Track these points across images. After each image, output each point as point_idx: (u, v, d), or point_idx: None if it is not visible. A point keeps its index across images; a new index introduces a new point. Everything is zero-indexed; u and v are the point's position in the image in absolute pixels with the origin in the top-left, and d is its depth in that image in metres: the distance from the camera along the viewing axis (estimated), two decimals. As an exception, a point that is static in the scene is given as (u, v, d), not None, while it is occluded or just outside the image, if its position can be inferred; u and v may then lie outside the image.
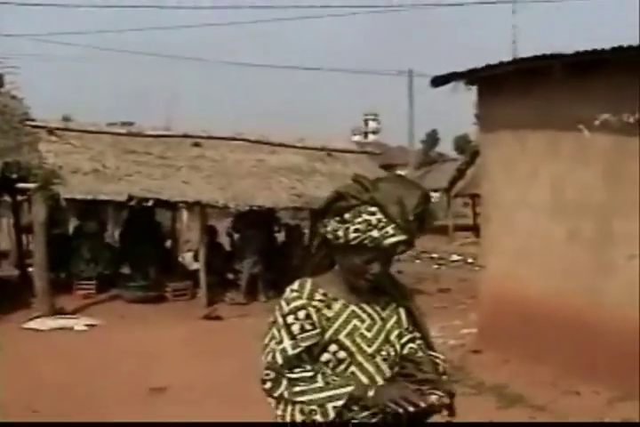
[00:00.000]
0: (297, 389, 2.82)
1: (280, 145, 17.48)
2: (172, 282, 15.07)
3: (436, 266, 22.49)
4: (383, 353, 2.94)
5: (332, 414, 2.78)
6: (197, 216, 16.00)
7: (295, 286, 2.94)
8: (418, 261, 23.85)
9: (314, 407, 2.79)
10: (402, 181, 2.93)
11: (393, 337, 2.99)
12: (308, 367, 2.86)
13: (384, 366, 2.94)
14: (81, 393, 8.15)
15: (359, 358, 2.89)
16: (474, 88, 10.26)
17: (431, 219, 2.90)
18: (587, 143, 8.38)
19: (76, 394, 8.11)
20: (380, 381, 2.90)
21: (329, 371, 2.88)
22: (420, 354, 3.04)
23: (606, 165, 8.14)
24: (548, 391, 8.13)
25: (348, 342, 2.88)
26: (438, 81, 10.02)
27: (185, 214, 22.26)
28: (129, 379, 8.76)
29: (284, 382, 2.84)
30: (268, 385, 2.87)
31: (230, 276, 16.16)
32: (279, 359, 2.84)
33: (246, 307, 14.29)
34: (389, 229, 2.78)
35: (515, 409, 7.74)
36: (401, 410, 2.70)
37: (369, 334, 2.93)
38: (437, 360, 3.07)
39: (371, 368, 2.91)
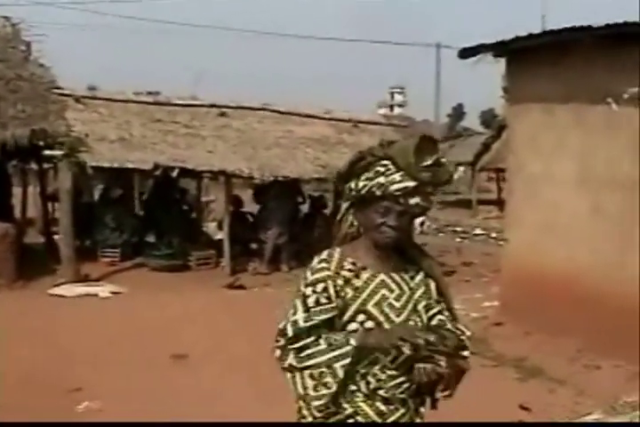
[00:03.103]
0: (303, 354, 2.82)
1: (307, 116, 17.44)
2: (195, 251, 15.13)
3: (459, 239, 22.42)
4: (411, 323, 2.94)
5: (340, 374, 2.78)
6: (222, 186, 16.01)
7: (324, 255, 2.94)
8: (441, 234, 23.78)
9: (323, 369, 2.79)
10: (416, 137, 2.93)
11: (420, 307, 2.99)
12: (315, 335, 2.84)
13: None
14: (104, 359, 8.22)
15: (387, 328, 2.89)
16: (502, 60, 10.16)
17: (445, 175, 2.90)
18: (615, 117, 8.29)
19: (100, 360, 8.18)
20: (406, 350, 2.88)
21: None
22: (449, 326, 3.03)
23: (634, 139, 8.04)
24: (569, 365, 8.13)
25: (376, 312, 2.88)
26: (466, 53, 9.91)
27: (209, 184, 22.26)
28: (151, 346, 8.82)
29: (292, 353, 2.84)
30: (278, 353, 2.88)
31: (254, 246, 16.22)
32: (289, 331, 2.84)
33: (268, 277, 14.33)
34: (396, 176, 2.82)
35: (534, 382, 7.75)
36: (407, 350, 2.73)
37: (397, 304, 2.92)
38: (462, 337, 3.05)
39: None
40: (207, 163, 14.25)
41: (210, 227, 18.44)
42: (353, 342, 2.79)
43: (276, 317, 3.03)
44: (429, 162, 2.84)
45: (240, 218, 16.01)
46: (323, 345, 2.81)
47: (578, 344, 8.43)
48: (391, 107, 77.29)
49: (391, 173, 2.83)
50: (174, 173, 14.03)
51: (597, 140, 8.64)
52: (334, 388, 2.79)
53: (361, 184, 2.87)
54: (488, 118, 67.15)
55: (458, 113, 80.00)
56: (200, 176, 17.81)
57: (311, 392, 2.82)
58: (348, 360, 2.78)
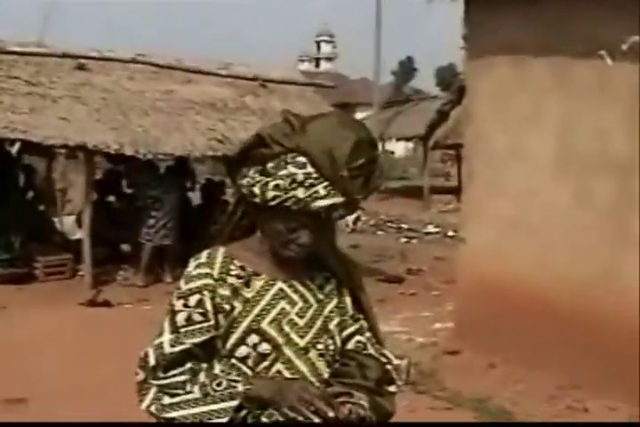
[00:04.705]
0: (166, 401, 2.83)
1: (197, 72, 17.41)
2: (44, 255, 14.99)
3: (404, 240, 22.61)
4: (319, 346, 2.96)
5: None
6: (82, 166, 15.81)
7: (203, 257, 2.95)
8: (381, 232, 23.94)
9: None
10: (339, 121, 2.87)
11: (332, 326, 3.02)
12: (188, 366, 2.86)
13: (320, 364, 2.97)
14: None
15: (288, 352, 2.91)
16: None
17: (379, 177, 2.89)
18: (608, 75, 8.38)
19: None
20: (314, 382, 2.91)
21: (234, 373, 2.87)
22: (370, 351, 3.07)
23: (632, 104, 8.14)
24: (546, 406, 8.22)
25: (273, 332, 2.90)
26: (412, -13, 9.93)
27: (66, 163, 22.01)
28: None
29: (153, 391, 2.86)
30: (137, 389, 2.89)
31: (125, 248, 16.07)
32: (152, 358, 2.86)
33: (145, 290, 14.33)
34: (320, 189, 2.75)
35: (500, 429, 7.83)
36: (301, 418, 2.71)
37: (301, 322, 2.95)
38: (388, 366, 3.09)
39: (303, 366, 2.93)
40: (60, 134, 14.00)
41: (66, 222, 18.24)
42: (237, 399, 2.79)
43: (149, 342, 3.01)
44: (361, 161, 2.78)
45: (107, 210, 15.87)
46: (196, 393, 2.82)
47: (558, 379, 8.53)
48: (317, 61, 77.67)
49: (312, 185, 2.75)
50: (14, 149, 13.81)
51: (584, 105, 8.73)
52: None
53: (270, 194, 2.78)
54: (446, 77, 67.95)
55: (406, 70, 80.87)
56: (51, 152, 17.55)
57: None
58: (225, 420, 2.79)
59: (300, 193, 2.74)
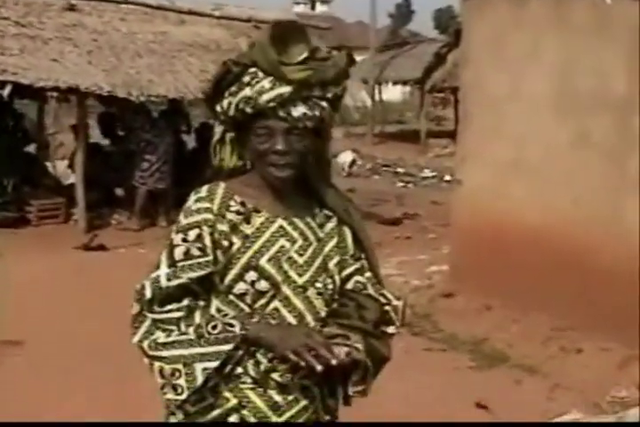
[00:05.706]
0: (159, 338, 2.84)
1: (190, 13, 17.28)
2: (37, 199, 14.94)
3: (401, 184, 22.58)
4: (318, 285, 2.97)
5: (200, 379, 2.80)
6: (74, 110, 15.73)
7: (203, 191, 2.95)
8: (377, 176, 23.90)
9: (178, 367, 2.81)
10: (270, 26, 2.92)
11: (332, 265, 3.02)
12: (184, 303, 2.86)
13: (318, 302, 2.97)
14: None
15: (286, 290, 2.91)
16: None
17: (334, 67, 2.91)
18: (608, 13, 8.32)
19: None
20: (311, 321, 2.93)
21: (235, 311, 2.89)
22: (370, 291, 3.08)
23: (631, 42, 8.09)
24: (541, 348, 8.29)
25: (271, 269, 2.90)
26: None
27: (57, 107, 21.91)
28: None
29: (146, 324, 2.86)
30: (131, 322, 2.91)
31: (119, 192, 16.06)
32: (148, 291, 2.86)
33: (140, 234, 14.31)
34: (265, 83, 2.83)
35: (496, 370, 7.91)
36: (303, 363, 2.72)
37: (300, 260, 2.95)
38: (387, 307, 3.10)
39: (300, 304, 2.93)
40: (51, 76, 13.89)
41: (59, 166, 18.18)
42: (232, 342, 2.80)
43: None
44: (304, 55, 2.83)
45: (100, 154, 15.81)
46: (190, 334, 2.83)
47: (553, 321, 8.56)
48: (312, 3, 77.03)
49: (258, 81, 2.83)
50: (5, 92, 13.73)
51: (584, 45, 8.67)
52: (184, 396, 2.83)
53: (225, 103, 2.89)
54: (444, 20, 67.50)
55: (403, 12, 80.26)
56: (42, 95, 17.44)
57: (159, 390, 2.87)
58: (216, 364, 2.81)
59: (248, 91, 2.83)
